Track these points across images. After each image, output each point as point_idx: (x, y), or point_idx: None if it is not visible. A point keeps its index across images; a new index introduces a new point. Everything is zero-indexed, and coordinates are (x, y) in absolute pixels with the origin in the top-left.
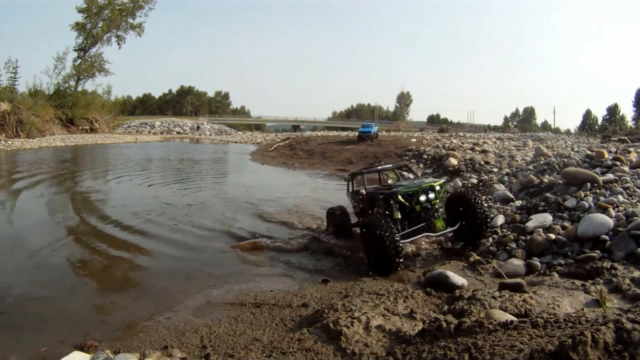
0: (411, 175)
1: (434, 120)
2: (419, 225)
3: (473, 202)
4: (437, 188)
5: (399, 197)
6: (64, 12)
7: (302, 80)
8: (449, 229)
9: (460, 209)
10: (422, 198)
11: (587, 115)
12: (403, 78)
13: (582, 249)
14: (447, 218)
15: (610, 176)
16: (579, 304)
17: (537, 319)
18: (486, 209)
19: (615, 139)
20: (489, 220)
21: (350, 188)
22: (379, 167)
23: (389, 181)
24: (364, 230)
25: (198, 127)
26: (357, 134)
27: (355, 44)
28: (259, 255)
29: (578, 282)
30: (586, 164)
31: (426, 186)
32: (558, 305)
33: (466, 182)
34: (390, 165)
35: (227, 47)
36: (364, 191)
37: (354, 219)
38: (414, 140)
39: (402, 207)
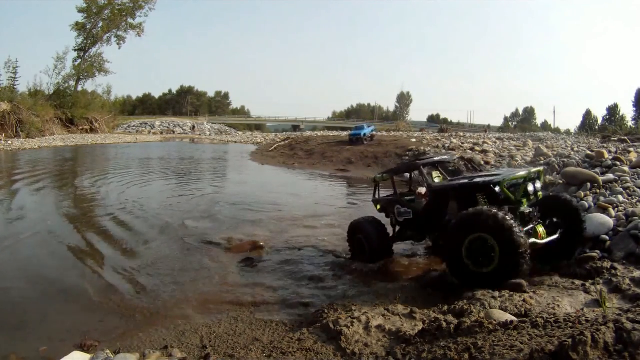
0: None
1: (434, 120)
2: (526, 228)
3: (575, 210)
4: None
5: (505, 188)
6: (64, 12)
7: (302, 80)
8: (552, 238)
9: (556, 216)
10: (531, 188)
11: (587, 115)
12: (403, 78)
13: (582, 249)
14: None
15: (610, 176)
16: (579, 304)
17: (537, 319)
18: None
19: (615, 139)
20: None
21: (387, 191)
22: (435, 158)
23: (436, 180)
24: (475, 224)
25: (193, 127)
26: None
27: (355, 44)
28: (259, 255)
29: (578, 282)
30: (586, 164)
31: (535, 172)
32: (558, 305)
33: None
34: (447, 157)
35: (227, 47)
36: (422, 189)
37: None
38: (414, 140)
39: (500, 202)
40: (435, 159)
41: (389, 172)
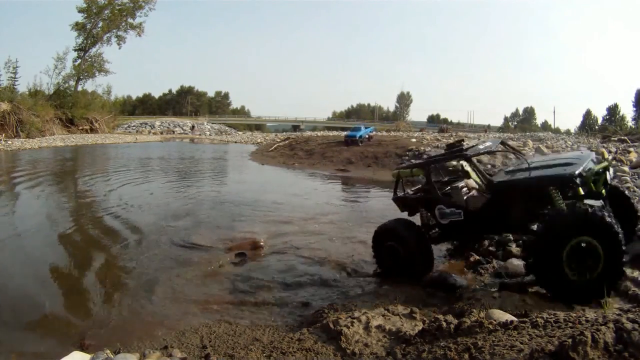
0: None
1: (434, 120)
2: None
3: (632, 204)
4: None
5: (590, 180)
6: (64, 12)
7: (302, 80)
8: None
9: (613, 206)
10: (609, 177)
11: (587, 115)
12: (403, 78)
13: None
14: None
15: None
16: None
17: (537, 319)
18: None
19: (615, 139)
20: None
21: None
22: (481, 147)
23: (468, 170)
24: (579, 226)
25: (193, 127)
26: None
27: (356, 44)
28: (259, 254)
29: None
30: None
31: (610, 159)
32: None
33: None
34: (490, 144)
35: (227, 47)
36: (471, 182)
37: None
38: (414, 140)
39: (578, 197)
40: (481, 147)
41: (423, 164)
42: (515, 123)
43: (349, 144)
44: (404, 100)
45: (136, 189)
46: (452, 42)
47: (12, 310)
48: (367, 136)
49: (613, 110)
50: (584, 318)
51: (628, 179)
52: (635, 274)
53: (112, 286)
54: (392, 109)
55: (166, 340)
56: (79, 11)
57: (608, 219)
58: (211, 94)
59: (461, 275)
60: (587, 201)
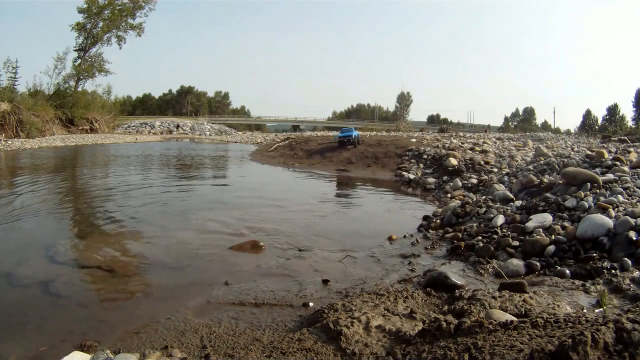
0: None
1: (434, 120)
2: None
3: None
4: None
5: None
6: (64, 12)
7: (302, 80)
8: None
9: None
10: None
11: (587, 115)
12: (403, 78)
13: (582, 249)
14: None
15: (610, 176)
16: (579, 304)
17: (537, 319)
18: None
19: (615, 139)
20: None
21: None
22: None
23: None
24: None
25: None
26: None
27: (356, 44)
28: (259, 255)
29: (578, 282)
30: (586, 164)
31: None
32: (558, 305)
33: (466, 182)
34: None
35: (227, 47)
36: None
37: None
38: (414, 140)
39: None
40: None
41: None
42: (515, 123)
43: (345, 144)
44: (404, 100)
45: (135, 188)
46: (452, 42)
47: (12, 311)
48: (357, 138)
49: (613, 110)
50: (584, 318)
51: (628, 178)
52: (636, 273)
53: (112, 286)
54: (392, 109)
55: (166, 340)
56: (79, 11)
57: None
58: (211, 94)
59: (461, 275)
60: None
